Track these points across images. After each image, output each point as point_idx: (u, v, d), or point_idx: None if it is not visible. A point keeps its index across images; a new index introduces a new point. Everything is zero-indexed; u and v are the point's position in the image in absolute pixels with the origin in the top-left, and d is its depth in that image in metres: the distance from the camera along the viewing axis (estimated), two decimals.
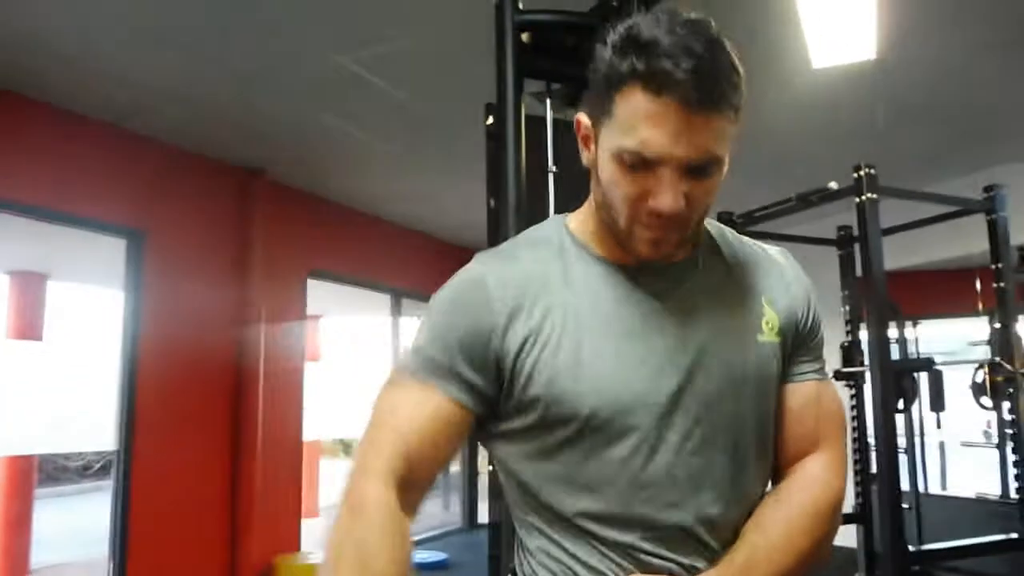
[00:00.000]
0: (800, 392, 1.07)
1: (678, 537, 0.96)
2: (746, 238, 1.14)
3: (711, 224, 1.10)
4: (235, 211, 5.76)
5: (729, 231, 1.13)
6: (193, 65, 4.07)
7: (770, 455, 1.06)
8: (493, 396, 0.99)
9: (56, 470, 12.33)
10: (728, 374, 0.99)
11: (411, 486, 0.95)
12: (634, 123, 0.88)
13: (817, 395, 1.08)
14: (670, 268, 1.01)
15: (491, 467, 2.03)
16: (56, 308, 7.73)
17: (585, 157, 1.00)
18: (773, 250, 1.15)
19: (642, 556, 0.96)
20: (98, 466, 13.28)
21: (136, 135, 5.03)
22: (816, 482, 1.04)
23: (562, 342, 0.96)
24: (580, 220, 1.07)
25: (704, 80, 0.85)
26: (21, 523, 6.67)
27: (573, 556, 0.98)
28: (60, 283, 7.76)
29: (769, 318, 1.04)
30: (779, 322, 1.05)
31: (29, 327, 7.08)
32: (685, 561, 0.97)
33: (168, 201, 5.25)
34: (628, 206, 0.93)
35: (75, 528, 8.98)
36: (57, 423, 4.81)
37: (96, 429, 4.93)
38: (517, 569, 1.06)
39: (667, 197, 0.89)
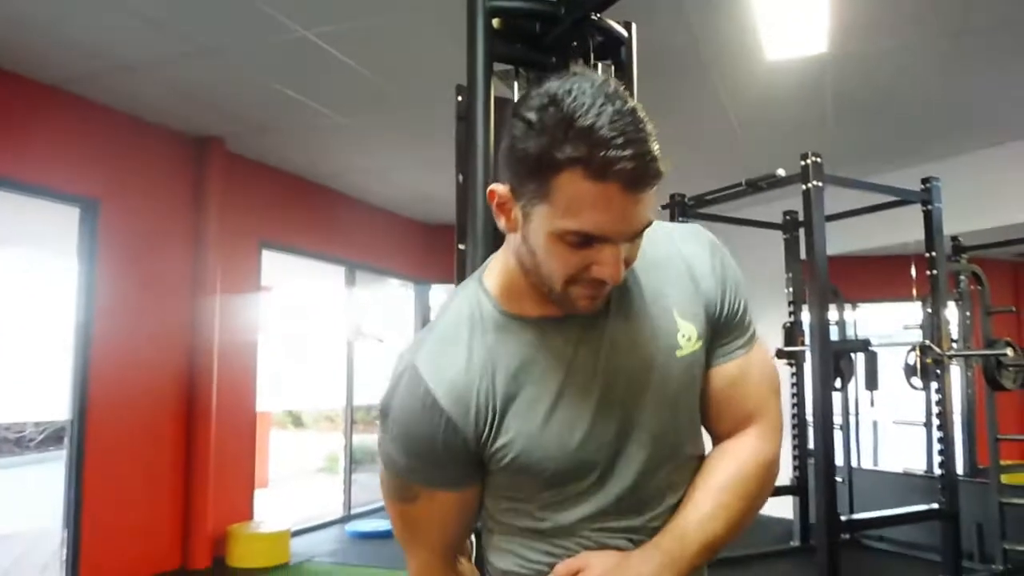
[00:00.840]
0: (725, 373, 1.14)
1: (630, 533, 1.10)
2: (660, 233, 1.13)
3: None
4: (190, 181, 5.74)
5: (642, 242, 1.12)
6: (152, 33, 4.04)
7: (701, 441, 1.17)
8: (480, 461, 1.10)
9: None
10: (658, 399, 1.08)
11: (457, 556, 1.18)
12: (578, 207, 0.90)
13: (743, 371, 1.15)
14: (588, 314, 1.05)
15: None
16: (4, 276, 7.56)
17: (503, 224, 1.01)
18: (682, 237, 1.16)
19: (600, 541, 1.09)
20: (39, 438, 13.04)
21: (92, 103, 4.97)
22: (742, 449, 1.14)
23: (509, 424, 1.05)
24: (498, 282, 1.10)
25: (643, 164, 0.89)
26: None
27: (537, 550, 1.12)
28: (6, 249, 7.58)
29: (685, 331, 1.10)
30: (695, 330, 1.10)
31: None
32: (633, 541, 1.10)
33: (123, 170, 5.21)
34: (567, 276, 0.97)
35: (17, 499, 8.85)
36: (5, 392, 4.77)
37: (46, 398, 4.90)
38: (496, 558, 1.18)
39: (611, 267, 0.95)
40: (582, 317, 1.05)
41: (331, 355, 7.65)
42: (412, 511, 1.12)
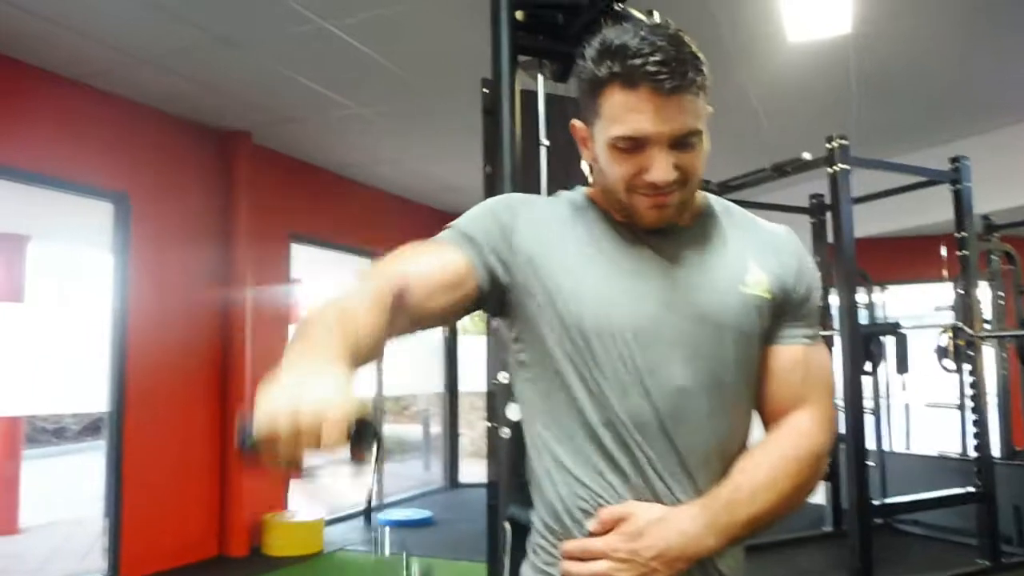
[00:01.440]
0: (787, 354, 1.17)
1: (668, 470, 1.08)
2: (748, 212, 1.26)
3: (718, 201, 1.24)
4: (219, 174, 5.81)
5: (737, 209, 1.26)
6: (179, 28, 4.09)
7: (752, 404, 1.18)
8: (500, 287, 1.14)
9: (33, 432, 12.34)
10: (716, 318, 1.11)
11: (400, 305, 1.04)
12: (619, 115, 1.04)
13: (804, 358, 1.18)
14: (667, 229, 1.14)
15: (489, 423, 2.16)
16: (39, 270, 7.72)
17: (586, 155, 1.16)
18: (778, 227, 1.25)
19: (640, 478, 1.08)
20: (77, 429, 13.30)
21: (122, 98, 5.04)
22: (801, 432, 1.15)
23: (562, 272, 1.12)
24: (593, 191, 1.22)
25: (671, 68, 1.01)
26: (10, 483, 6.75)
27: (584, 475, 1.11)
28: (43, 244, 7.73)
29: (756, 275, 1.15)
30: (765, 281, 1.15)
31: (9, 289, 7.07)
32: (674, 490, 1.09)
33: (153, 164, 5.29)
34: (626, 183, 1.08)
35: (57, 489, 9.06)
36: (44, 385, 4.87)
37: (86, 391, 5.01)
38: (542, 484, 1.16)
39: (659, 169, 1.05)
40: (660, 230, 1.14)
41: None
42: (412, 247, 1.15)
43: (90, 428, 13.11)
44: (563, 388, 1.12)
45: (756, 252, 1.18)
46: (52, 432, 13.06)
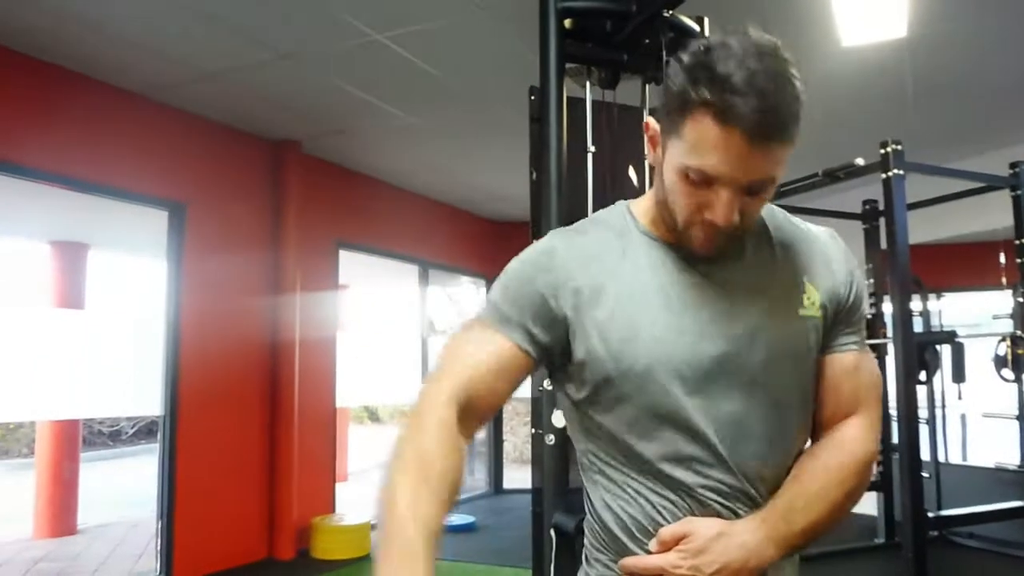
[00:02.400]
0: (840, 362, 1.17)
1: (725, 488, 1.08)
2: (797, 219, 1.23)
3: (764, 211, 1.19)
4: (269, 183, 5.92)
5: (781, 213, 1.22)
6: (234, 41, 4.19)
7: (810, 419, 1.17)
8: (553, 349, 1.12)
9: (90, 435, 12.67)
10: (774, 346, 1.10)
11: (469, 413, 1.07)
12: (701, 147, 0.98)
13: (856, 365, 1.17)
14: (718, 253, 1.11)
15: (533, 430, 2.17)
16: (97, 277, 7.94)
17: (651, 156, 1.11)
18: (821, 231, 1.23)
19: (698, 497, 1.08)
20: (131, 432, 13.63)
21: (177, 110, 5.17)
22: (851, 440, 1.15)
23: (615, 310, 1.08)
24: (643, 206, 1.18)
25: (768, 116, 0.94)
26: (69, 484, 6.94)
27: (639, 492, 1.11)
28: (100, 252, 7.95)
29: (810, 294, 1.14)
30: (820, 298, 1.14)
31: (72, 296, 7.28)
32: (732, 506, 1.09)
33: (207, 173, 5.41)
34: (687, 213, 1.04)
35: (113, 491, 9.30)
36: (103, 389, 5.01)
37: (142, 395, 5.14)
38: (595, 503, 1.18)
39: (723, 213, 1.01)
40: (711, 259, 1.10)
41: (406, 351, 7.79)
42: (461, 337, 1.14)
43: (143, 431, 13.43)
44: (617, 419, 1.11)
45: (809, 269, 1.16)
46: (108, 435, 13.42)
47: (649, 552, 1.09)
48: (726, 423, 1.08)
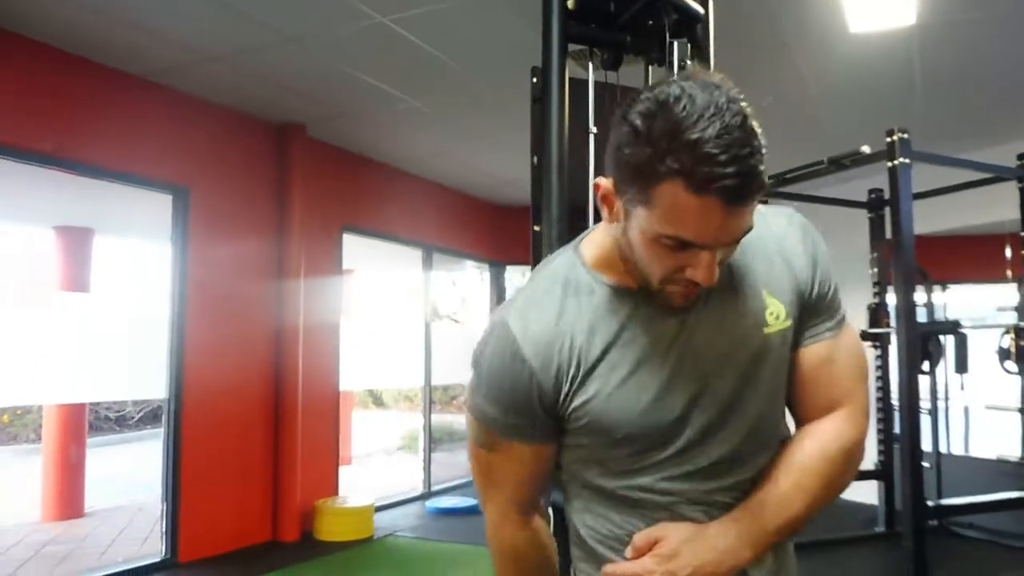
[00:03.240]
0: (812, 354, 1.14)
1: (706, 498, 1.10)
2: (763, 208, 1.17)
3: None
4: (274, 167, 5.92)
5: None
6: (240, 25, 4.19)
7: (784, 421, 1.18)
8: (561, 427, 1.15)
9: (97, 420, 12.74)
10: (743, 374, 1.09)
11: (530, 511, 1.22)
12: (676, 217, 0.92)
13: (831, 354, 1.14)
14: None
15: None
16: (102, 261, 7.97)
17: (606, 215, 1.05)
18: (779, 219, 1.17)
19: (676, 511, 1.10)
20: (137, 417, 13.69)
21: (181, 93, 5.18)
22: (827, 431, 1.13)
23: (588, 384, 1.08)
24: (598, 254, 1.13)
25: (746, 180, 0.90)
26: (76, 468, 6.99)
27: (612, 517, 1.15)
28: (105, 238, 7.98)
29: (773, 309, 1.11)
30: (784, 309, 1.11)
31: (77, 280, 7.31)
32: (713, 515, 1.10)
33: (211, 157, 5.42)
34: (663, 276, 1.01)
35: (119, 475, 9.36)
36: (108, 373, 5.03)
37: (146, 379, 5.16)
38: (576, 523, 1.21)
39: (706, 275, 0.97)
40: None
41: (410, 336, 7.81)
42: (490, 459, 1.18)
43: (149, 416, 13.49)
44: (605, 470, 1.14)
45: (770, 277, 1.12)
46: (115, 421, 13.48)
47: (626, 559, 1.11)
48: (709, 461, 1.09)
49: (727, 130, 0.88)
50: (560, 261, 1.16)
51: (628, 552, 1.10)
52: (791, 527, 1.09)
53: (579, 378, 1.08)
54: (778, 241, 1.14)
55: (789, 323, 1.11)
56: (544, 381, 1.08)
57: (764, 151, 0.93)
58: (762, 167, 0.92)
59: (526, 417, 1.11)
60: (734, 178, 0.88)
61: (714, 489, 1.10)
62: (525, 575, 1.20)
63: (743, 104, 0.92)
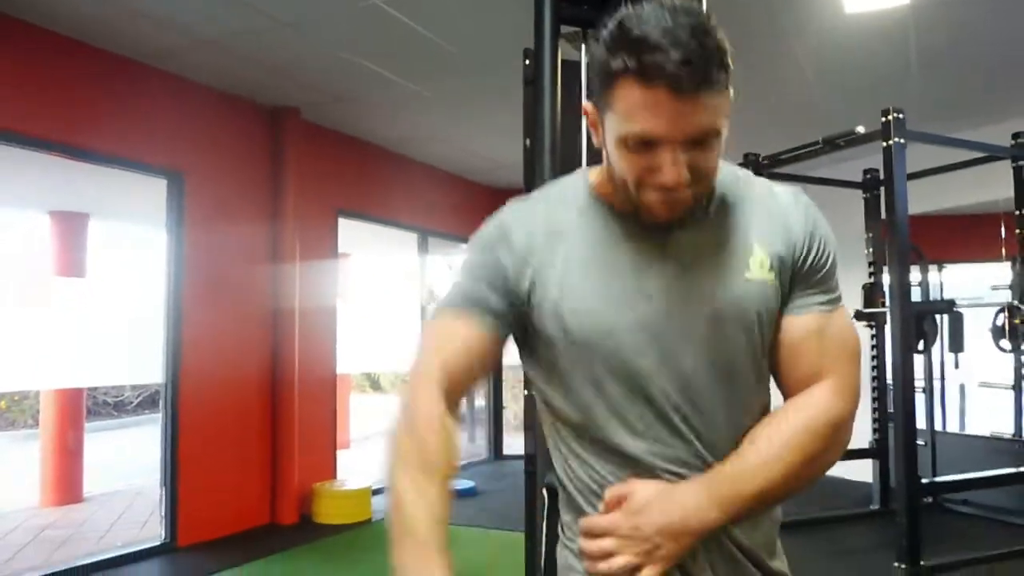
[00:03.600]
0: (800, 324, 1.14)
1: (676, 457, 1.10)
2: (759, 180, 1.21)
3: (725, 170, 1.18)
4: (268, 151, 5.91)
5: (743, 174, 1.21)
6: (235, 9, 4.17)
7: (767, 391, 1.17)
8: (516, 321, 1.16)
9: (95, 405, 12.76)
10: (719, 310, 1.09)
11: (452, 395, 1.13)
12: (632, 113, 0.98)
13: (820, 327, 1.14)
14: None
15: (526, 392, 2.19)
16: (98, 247, 7.95)
17: (596, 139, 1.11)
18: (785, 191, 1.20)
19: (647, 465, 1.11)
20: (136, 402, 13.72)
21: (175, 76, 5.15)
22: (813, 403, 1.11)
23: (564, 278, 1.12)
24: (601, 176, 1.18)
25: (692, 67, 0.93)
26: (74, 452, 7.01)
27: (590, 464, 1.16)
28: (101, 222, 7.96)
29: (759, 258, 1.12)
30: (770, 260, 1.12)
31: (73, 265, 7.30)
32: (684, 474, 1.10)
33: (205, 141, 5.40)
34: (636, 181, 1.04)
35: (117, 460, 9.39)
36: (105, 358, 5.04)
37: (144, 363, 5.17)
38: (559, 471, 1.22)
39: (669, 172, 1.00)
40: (661, 223, 1.10)
41: (406, 319, 7.82)
42: (441, 323, 1.18)
43: (147, 401, 13.52)
44: (572, 391, 1.14)
45: (762, 230, 1.14)
46: (112, 405, 13.50)
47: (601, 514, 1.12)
48: (678, 388, 1.09)
49: (675, 25, 0.94)
50: (569, 179, 1.24)
51: (601, 508, 1.11)
52: (766, 496, 1.08)
53: (549, 265, 1.13)
54: (780, 207, 1.17)
55: (772, 276, 1.12)
56: (517, 248, 1.14)
57: (721, 46, 0.97)
58: (712, 58, 0.95)
59: (486, 286, 1.14)
60: (680, 65, 0.93)
61: (695, 454, 1.10)
62: (422, 454, 1.06)
63: (700, 10, 0.98)
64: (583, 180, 1.20)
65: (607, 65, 0.98)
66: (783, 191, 1.20)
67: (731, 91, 1.01)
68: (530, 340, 1.18)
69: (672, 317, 1.09)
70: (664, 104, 0.95)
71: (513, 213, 1.20)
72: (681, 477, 1.10)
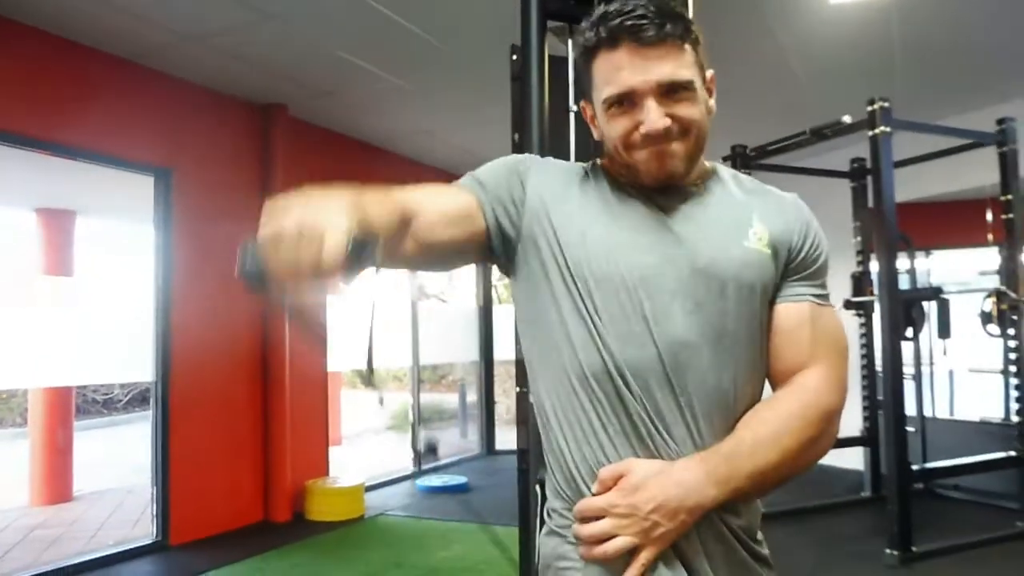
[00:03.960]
0: (793, 311, 1.17)
1: (670, 416, 1.09)
2: (762, 183, 1.27)
3: (727, 169, 1.26)
4: (257, 147, 5.86)
5: (746, 176, 1.27)
6: (221, 5, 4.13)
7: (761, 363, 1.17)
8: (508, 230, 1.18)
9: (84, 403, 12.71)
10: (709, 268, 1.12)
11: (406, 224, 1.10)
12: (607, 76, 1.10)
13: (812, 316, 1.17)
14: (674, 189, 1.17)
15: (518, 388, 2.19)
16: (86, 244, 7.90)
17: (595, 133, 1.20)
18: (787, 194, 1.26)
19: (635, 420, 1.09)
20: (125, 400, 13.67)
21: (164, 75, 5.10)
22: (808, 390, 1.13)
23: (573, 222, 1.15)
24: (606, 162, 1.25)
25: (649, 20, 1.06)
26: (64, 451, 6.97)
27: (586, 423, 1.13)
28: (88, 220, 7.90)
29: (758, 231, 1.16)
30: (769, 236, 1.16)
31: (60, 263, 7.25)
32: (671, 436, 1.09)
33: (193, 138, 5.36)
34: (624, 140, 1.11)
35: (107, 458, 9.35)
36: (94, 356, 5.01)
37: (133, 361, 5.14)
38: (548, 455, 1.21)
39: (651, 119, 1.08)
40: (666, 191, 1.17)
41: (397, 315, 7.81)
42: (428, 186, 1.21)
43: (137, 399, 13.46)
44: (565, 339, 1.13)
45: (761, 212, 1.19)
46: (102, 403, 13.44)
47: (594, 495, 1.10)
48: (669, 341, 1.09)
49: (634, 1, 1.08)
50: (578, 163, 1.30)
51: (595, 487, 1.10)
52: (762, 478, 1.09)
53: (565, 206, 1.17)
54: (778, 200, 1.23)
55: (770, 253, 1.16)
56: (532, 181, 1.19)
57: (680, 12, 1.09)
58: (667, 13, 1.07)
59: (492, 185, 1.18)
60: (635, 19, 1.06)
61: (680, 394, 1.09)
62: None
63: None
64: (593, 161, 1.27)
65: (584, 48, 1.12)
66: (786, 193, 1.26)
67: (699, 52, 1.12)
68: (526, 280, 1.19)
69: (668, 273, 1.11)
70: (628, 58, 1.07)
71: (534, 157, 1.28)
72: (668, 441, 1.09)
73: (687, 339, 1.09)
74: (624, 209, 1.17)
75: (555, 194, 1.18)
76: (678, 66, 1.08)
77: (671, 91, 1.08)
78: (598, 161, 1.25)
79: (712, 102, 1.15)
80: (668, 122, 1.08)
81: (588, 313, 1.11)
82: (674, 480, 1.06)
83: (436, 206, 1.15)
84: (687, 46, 1.09)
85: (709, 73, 1.15)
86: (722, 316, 1.12)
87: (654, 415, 1.09)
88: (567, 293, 1.13)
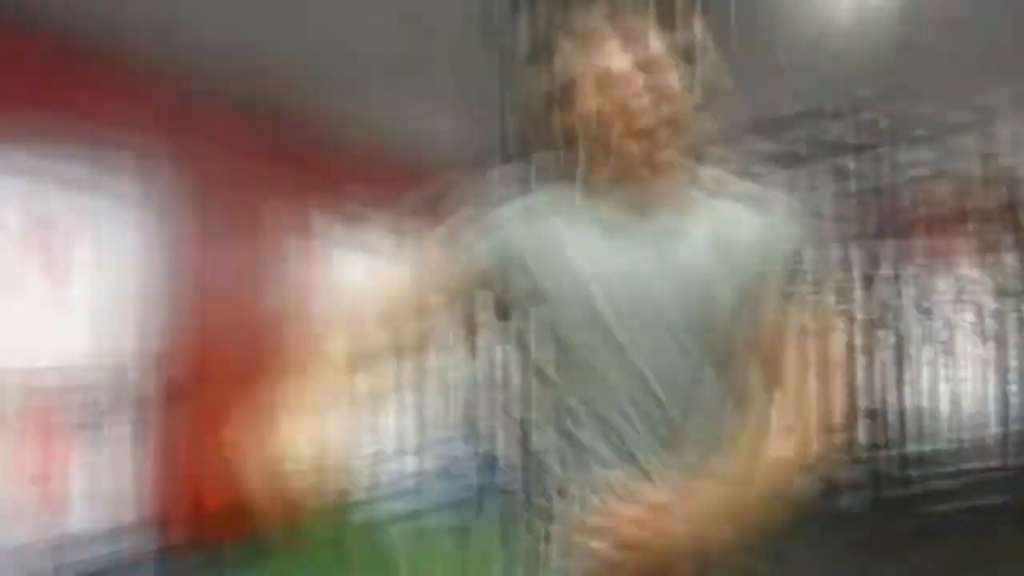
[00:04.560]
0: (771, 328, 1.15)
1: (653, 445, 1.11)
2: (739, 187, 1.23)
3: (709, 174, 1.23)
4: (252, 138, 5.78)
5: (732, 179, 1.24)
6: None
7: (734, 388, 1.16)
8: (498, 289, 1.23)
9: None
10: (683, 288, 1.12)
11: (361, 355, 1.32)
12: (584, 46, 1.17)
13: (788, 336, 1.15)
14: (650, 224, 1.16)
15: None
16: (71, 236, 7.76)
17: (574, 146, 1.20)
18: (771, 214, 1.21)
19: (614, 424, 1.12)
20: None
21: (155, 61, 4.97)
22: (788, 421, 1.11)
23: (561, 281, 1.16)
24: (583, 178, 1.23)
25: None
26: None
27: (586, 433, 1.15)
28: (72, 217, 7.78)
29: (734, 263, 1.14)
30: (740, 271, 1.14)
31: (46, 259, 7.13)
32: (661, 468, 1.10)
33: (187, 126, 5.27)
34: (600, 109, 1.12)
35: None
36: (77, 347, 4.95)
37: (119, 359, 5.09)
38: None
39: (615, 64, 1.12)
40: (644, 224, 1.16)
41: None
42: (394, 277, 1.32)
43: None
44: (548, 379, 1.18)
45: (734, 243, 1.16)
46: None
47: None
48: (645, 380, 1.11)
49: None
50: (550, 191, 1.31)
51: (591, 514, 1.09)
52: (746, 512, 1.07)
53: (537, 255, 1.18)
54: (755, 223, 1.19)
55: (738, 295, 1.14)
56: (509, 233, 1.21)
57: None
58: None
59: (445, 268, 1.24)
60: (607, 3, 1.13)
61: (653, 407, 1.11)
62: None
63: None
64: (572, 186, 1.24)
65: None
66: (768, 216, 1.21)
67: (671, 31, 1.15)
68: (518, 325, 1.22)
69: (650, 296, 1.12)
70: (605, 32, 1.12)
71: (514, 211, 1.25)
72: (653, 471, 1.10)
73: (661, 372, 1.13)
74: (598, 249, 1.19)
75: (527, 243, 1.22)
76: (648, 36, 1.15)
77: (645, 64, 1.14)
78: (576, 183, 1.28)
79: (695, 86, 1.20)
80: (648, 101, 1.13)
81: (568, 355, 1.17)
82: (667, 513, 1.03)
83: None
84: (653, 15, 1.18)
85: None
86: (700, 332, 1.15)
87: (640, 445, 1.12)
88: (551, 332, 1.18)
